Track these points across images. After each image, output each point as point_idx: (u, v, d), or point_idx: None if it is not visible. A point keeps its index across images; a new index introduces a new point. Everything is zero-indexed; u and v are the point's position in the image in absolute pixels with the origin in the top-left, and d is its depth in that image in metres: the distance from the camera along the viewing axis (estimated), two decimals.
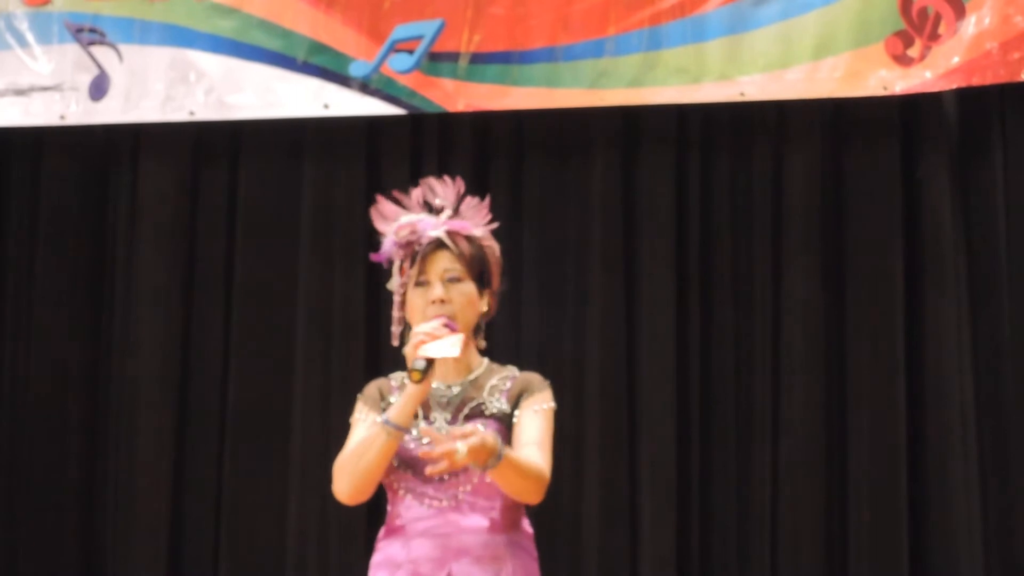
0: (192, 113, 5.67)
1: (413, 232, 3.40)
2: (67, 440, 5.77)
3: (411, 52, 5.52)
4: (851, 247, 5.43)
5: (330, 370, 5.62)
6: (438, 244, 3.38)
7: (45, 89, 5.75)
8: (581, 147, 5.60)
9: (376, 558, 3.38)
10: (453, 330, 3.30)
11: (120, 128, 5.79)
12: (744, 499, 5.38)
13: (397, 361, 5.55)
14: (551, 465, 3.33)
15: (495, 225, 3.45)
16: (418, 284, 3.38)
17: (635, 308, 5.49)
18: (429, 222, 3.40)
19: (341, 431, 5.53)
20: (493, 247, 3.46)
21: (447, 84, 5.50)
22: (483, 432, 3.15)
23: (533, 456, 3.28)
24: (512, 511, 3.34)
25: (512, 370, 3.45)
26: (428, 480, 3.31)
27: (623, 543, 5.41)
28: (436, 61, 5.51)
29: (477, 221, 3.44)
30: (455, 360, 3.35)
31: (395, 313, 3.46)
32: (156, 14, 5.69)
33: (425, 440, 3.28)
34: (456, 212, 3.43)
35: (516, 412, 3.34)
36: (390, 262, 3.46)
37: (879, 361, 5.33)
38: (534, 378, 3.42)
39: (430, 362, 3.24)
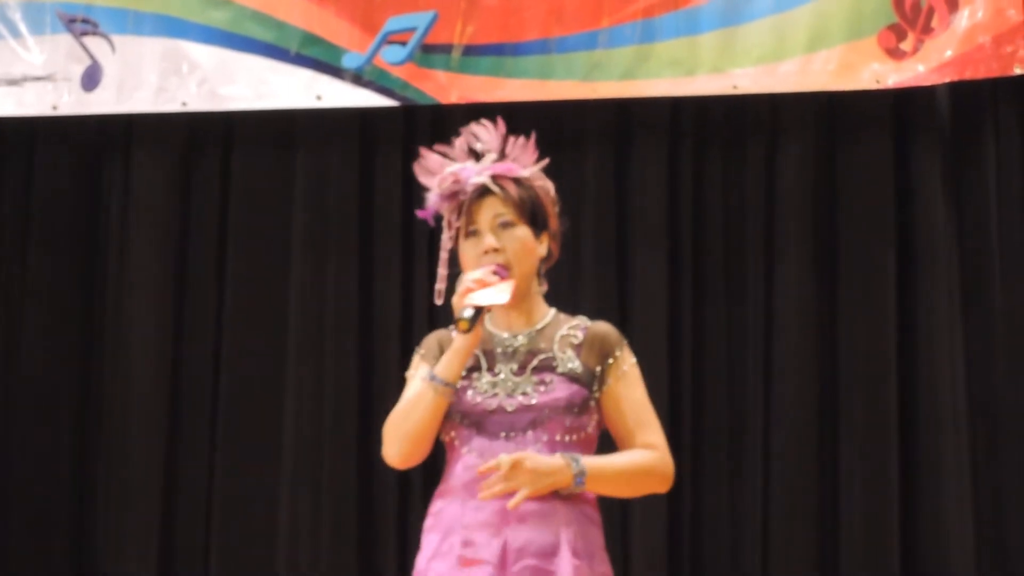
0: (185, 104, 5.66)
1: (456, 181, 3.22)
2: (58, 433, 5.76)
3: (404, 44, 5.52)
4: (844, 240, 5.44)
5: (323, 363, 5.62)
6: (484, 190, 3.21)
7: (38, 79, 5.74)
8: (574, 139, 5.60)
9: (429, 521, 3.21)
10: (503, 277, 3.15)
11: (113, 119, 5.78)
12: (735, 494, 5.39)
13: (391, 353, 5.58)
14: (663, 436, 3.19)
15: (545, 162, 3.30)
16: (468, 235, 3.22)
17: (628, 300, 5.49)
18: (472, 169, 3.23)
19: (334, 426, 5.58)
20: (546, 186, 3.29)
21: (440, 76, 5.50)
22: (543, 458, 3.05)
23: (646, 441, 3.16)
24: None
25: (582, 320, 3.25)
26: (494, 437, 3.13)
27: (615, 540, 5.40)
28: (429, 53, 5.51)
29: (525, 161, 3.28)
30: (518, 309, 3.21)
31: (440, 271, 3.29)
32: (149, 5, 5.69)
33: (489, 393, 3.15)
34: (502, 155, 3.26)
35: (603, 387, 3.18)
36: (437, 217, 3.30)
37: (871, 354, 5.34)
38: (608, 333, 3.24)
39: (478, 311, 3.09)
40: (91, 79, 5.71)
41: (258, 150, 5.79)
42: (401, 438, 3.17)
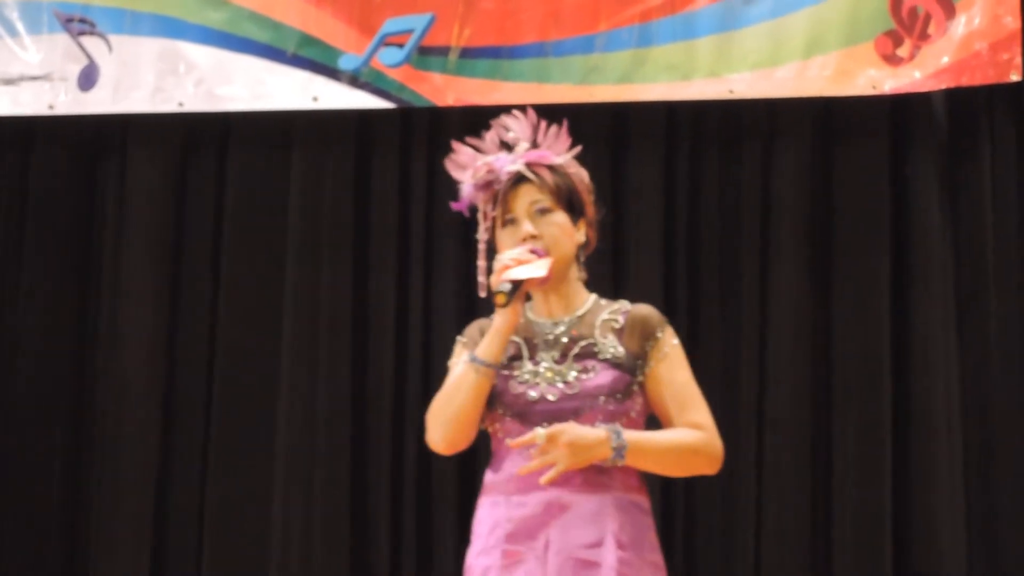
0: (181, 104, 5.66)
1: (490, 171, 3.23)
2: (52, 432, 5.75)
3: (401, 46, 5.52)
4: (839, 245, 5.43)
5: (317, 364, 5.61)
6: (520, 178, 3.21)
7: (34, 79, 5.74)
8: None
9: (478, 515, 3.20)
10: (541, 256, 3.15)
11: (109, 119, 5.78)
12: (729, 495, 5.39)
13: (386, 355, 5.58)
14: (710, 416, 3.19)
15: (578, 150, 3.31)
16: (505, 223, 3.21)
17: None
18: (506, 158, 3.24)
19: (328, 428, 5.58)
20: (580, 174, 3.29)
21: (436, 78, 5.50)
22: (582, 429, 3.04)
23: (692, 421, 3.16)
24: (624, 469, 3.12)
25: (623, 304, 3.27)
26: (536, 427, 3.09)
27: None
28: (426, 55, 5.51)
29: (558, 149, 3.29)
30: (558, 295, 3.22)
31: (479, 263, 3.26)
32: (146, 5, 5.68)
33: (531, 382, 3.15)
34: (534, 144, 3.27)
35: (646, 371, 3.18)
36: (472, 209, 3.29)
37: (866, 359, 5.34)
38: (649, 315, 3.24)
39: (516, 285, 3.09)
40: (88, 79, 5.70)
41: (254, 151, 5.78)
42: (445, 422, 3.15)
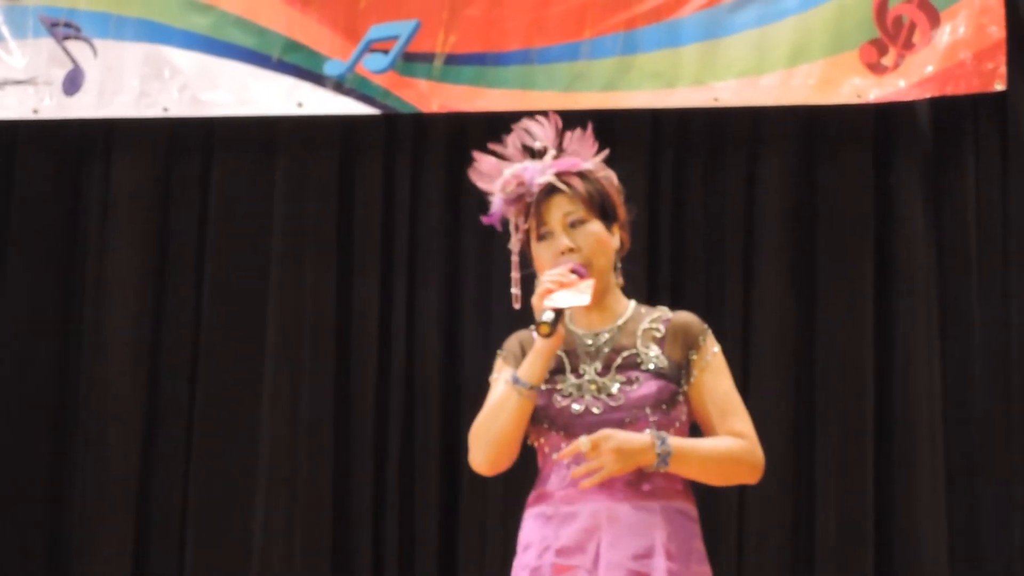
0: (166, 109, 5.66)
1: (520, 183, 3.16)
2: (35, 433, 5.74)
3: (386, 52, 5.52)
4: (823, 254, 5.44)
5: (300, 367, 5.61)
6: (551, 189, 3.15)
7: (19, 83, 5.73)
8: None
9: (527, 526, 3.16)
10: (582, 276, 3.09)
11: (94, 123, 5.77)
12: (711, 500, 5.37)
13: (369, 360, 5.58)
14: (752, 426, 3.17)
15: (606, 153, 3.26)
16: (541, 237, 3.16)
17: None
18: (535, 168, 3.17)
19: (310, 428, 5.57)
20: (609, 176, 3.24)
21: (421, 85, 5.50)
22: (626, 435, 3.01)
23: (734, 429, 3.13)
24: (669, 477, 3.09)
25: (663, 311, 3.21)
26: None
27: None
28: (411, 61, 5.51)
29: (585, 154, 3.23)
30: (598, 305, 3.14)
31: (513, 274, 3.21)
32: (132, 9, 5.68)
33: (575, 396, 3.11)
34: (560, 150, 3.21)
35: (690, 380, 3.14)
36: (504, 221, 3.24)
37: (849, 366, 5.35)
38: (690, 323, 3.19)
39: (559, 313, 3.03)
40: (72, 83, 5.70)
41: (239, 156, 5.78)
42: (488, 444, 3.11)
